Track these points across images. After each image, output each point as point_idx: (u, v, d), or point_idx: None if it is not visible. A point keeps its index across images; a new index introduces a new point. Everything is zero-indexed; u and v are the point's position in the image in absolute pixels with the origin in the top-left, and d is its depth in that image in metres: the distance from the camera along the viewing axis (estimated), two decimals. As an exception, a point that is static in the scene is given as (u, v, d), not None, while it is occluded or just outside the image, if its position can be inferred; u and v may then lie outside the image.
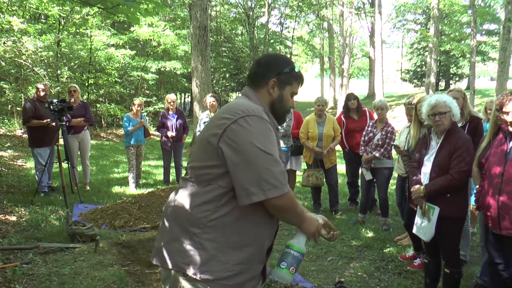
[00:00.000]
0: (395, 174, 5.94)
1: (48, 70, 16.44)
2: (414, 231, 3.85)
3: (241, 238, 1.87)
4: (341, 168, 8.53)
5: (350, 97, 7.22)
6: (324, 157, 6.83)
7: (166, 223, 1.97)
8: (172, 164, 8.97)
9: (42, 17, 17.99)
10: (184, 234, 1.87)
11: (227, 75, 35.85)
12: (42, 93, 7.40)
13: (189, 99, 36.83)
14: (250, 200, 1.77)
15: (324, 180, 6.94)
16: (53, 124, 7.16)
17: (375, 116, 6.56)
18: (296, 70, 2.07)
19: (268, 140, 1.81)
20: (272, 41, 33.94)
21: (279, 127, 6.57)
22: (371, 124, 6.34)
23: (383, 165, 6.11)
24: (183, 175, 2.10)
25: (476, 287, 4.06)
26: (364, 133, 6.34)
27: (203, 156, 1.91)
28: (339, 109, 24.11)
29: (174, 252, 1.88)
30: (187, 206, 1.90)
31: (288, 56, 38.19)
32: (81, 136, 7.94)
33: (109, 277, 4.11)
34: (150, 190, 7.35)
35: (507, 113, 3.10)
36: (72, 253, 4.75)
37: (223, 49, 34.37)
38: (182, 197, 1.94)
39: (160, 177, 9.37)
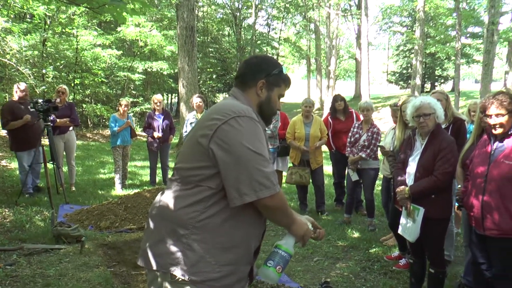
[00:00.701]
0: (381, 175, 5.99)
1: (33, 69, 16.24)
2: (399, 231, 3.88)
3: (229, 239, 1.87)
4: (328, 169, 8.59)
5: (337, 98, 7.26)
6: (310, 158, 6.82)
7: (153, 224, 1.96)
8: (159, 165, 8.93)
9: (27, 16, 17.76)
10: (171, 235, 1.86)
11: (214, 76, 35.78)
12: (21, 94, 7.23)
13: (176, 100, 36.72)
14: (242, 201, 1.78)
15: (311, 180, 6.97)
16: (33, 120, 7.02)
17: (362, 117, 6.61)
18: (284, 72, 2.08)
19: (258, 141, 1.82)
20: (259, 42, 34.00)
21: (266, 129, 6.60)
22: (356, 125, 6.38)
23: (369, 165, 6.16)
24: (170, 176, 2.09)
25: (460, 286, 4.12)
26: (349, 134, 6.38)
27: (191, 157, 1.90)
28: (326, 110, 24.24)
29: (161, 253, 1.87)
30: (174, 207, 1.89)
31: (275, 57, 38.34)
32: (66, 137, 7.87)
33: (94, 278, 4.08)
34: (136, 191, 7.31)
35: (490, 116, 3.16)
36: (57, 254, 4.70)
37: (210, 49, 34.29)
38: (169, 198, 1.92)
39: (147, 178, 9.32)
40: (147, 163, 9.44)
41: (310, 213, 6.85)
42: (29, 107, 6.96)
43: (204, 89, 34.90)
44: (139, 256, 1.99)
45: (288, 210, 1.93)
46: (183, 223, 1.84)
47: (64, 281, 4.02)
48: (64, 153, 7.98)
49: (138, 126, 19.52)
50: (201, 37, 32.18)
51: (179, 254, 1.83)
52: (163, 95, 23.95)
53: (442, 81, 41.04)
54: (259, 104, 2.05)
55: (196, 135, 1.90)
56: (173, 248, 1.84)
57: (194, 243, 1.83)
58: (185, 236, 1.83)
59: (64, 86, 8.03)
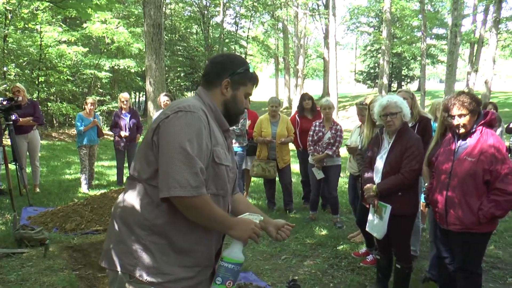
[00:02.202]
0: (346, 173, 6.06)
1: (-6, 67, 15.73)
2: (367, 228, 3.94)
3: (188, 241, 1.85)
4: (295, 167, 8.63)
5: (304, 97, 7.29)
6: (277, 157, 6.82)
7: (114, 224, 1.93)
8: (126, 165, 8.78)
9: (-14, 11, 17.16)
10: (130, 236, 1.84)
11: (182, 74, 35.46)
12: None
13: (144, 98, 36.20)
14: (159, 195, 1.75)
15: (278, 179, 6.97)
16: None
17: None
18: (251, 70, 2.04)
19: (193, 137, 1.77)
20: (227, 40, 33.88)
21: (234, 127, 6.58)
22: (317, 123, 6.39)
23: (334, 163, 6.24)
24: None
25: (425, 280, 4.22)
26: (311, 133, 6.36)
27: (144, 154, 1.89)
28: (294, 109, 24.39)
29: (121, 254, 1.85)
30: (133, 207, 1.86)
31: (243, 56, 38.32)
32: (30, 136, 7.62)
33: (59, 282, 3.97)
34: (103, 191, 7.16)
35: (453, 116, 3.24)
36: (19, 259, 4.55)
37: (178, 48, 33.99)
38: (129, 198, 1.90)
39: (114, 178, 9.16)
40: (114, 163, 9.27)
41: (279, 211, 6.88)
42: None
43: (172, 87, 34.56)
44: (101, 256, 1.96)
45: (214, 215, 1.83)
46: (142, 224, 1.82)
47: (27, 286, 3.90)
48: (28, 153, 7.74)
49: (105, 125, 19.15)
50: (169, 35, 31.88)
51: (138, 255, 1.81)
52: (130, 94, 23.60)
53: (409, 80, 42.03)
54: (224, 103, 2.02)
55: (148, 129, 1.92)
56: (133, 249, 1.82)
57: (152, 244, 1.81)
58: (143, 237, 1.82)
59: (18, 84, 7.72)
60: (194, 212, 1.79)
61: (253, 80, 2.07)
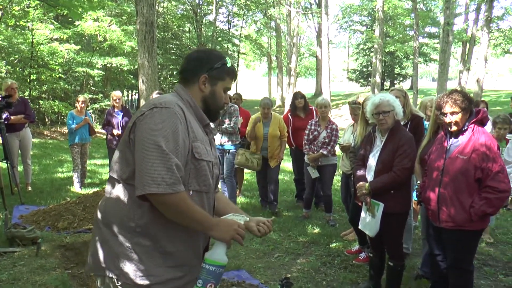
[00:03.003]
0: (339, 171, 6.07)
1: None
2: (359, 226, 3.96)
3: (173, 240, 1.82)
4: (288, 165, 8.63)
5: (297, 95, 7.28)
6: (269, 157, 6.81)
7: (98, 229, 1.90)
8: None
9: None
10: (115, 239, 1.81)
11: (175, 73, 35.27)
12: None
13: (136, 97, 36.07)
14: (135, 193, 1.72)
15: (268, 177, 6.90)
16: None
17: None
18: (229, 65, 2.01)
19: (168, 133, 1.74)
20: (219, 39, 33.78)
21: (227, 125, 6.56)
22: (313, 122, 6.39)
23: (328, 162, 6.23)
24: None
25: (418, 277, 4.25)
26: (307, 132, 6.37)
27: (123, 153, 1.85)
28: (287, 108, 24.41)
29: (107, 258, 1.82)
30: (116, 209, 1.83)
31: (236, 54, 38.31)
32: (21, 134, 7.55)
33: (51, 281, 3.94)
34: (95, 190, 7.13)
35: (445, 114, 3.26)
36: (11, 258, 4.51)
37: (171, 46, 33.83)
38: (111, 200, 1.87)
39: (106, 176, 9.11)
40: (107, 161, 9.24)
41: (271, 210, 6.86)
42: None
43: (164, 85, 34.45)
44: (88, 259, 1.93)
45: (193, 214, 1.78)
46: (125, 226, 1.79)
47: (18, 286, 3.87)
48: (19, 152, 7.68)
49: (98, 123, 19.05)
50: (162, 33, 31.71)
51: (123, 259, 1.78)
52: (123, 92, 23.48)
53: (401, 79, 42.17)
54: (203, 99, 1.99)
55: (126, 128, 1.88)
56: (118, 253, 1.79)
57: (137, 246, 1.78)
58: (128, 240, 1.79)
59: (13, 82, 7.64)
60: (170, 210, 1.75)
61: (231, 74, 2.04)
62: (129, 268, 1.77)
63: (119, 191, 1.84)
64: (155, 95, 7.61)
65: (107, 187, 1.93)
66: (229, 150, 6.74)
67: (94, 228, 1.96)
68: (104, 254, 1.83)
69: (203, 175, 1.89)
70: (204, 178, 1.90)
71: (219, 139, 6.70)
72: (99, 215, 1.91)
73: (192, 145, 1.84)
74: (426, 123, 4.72)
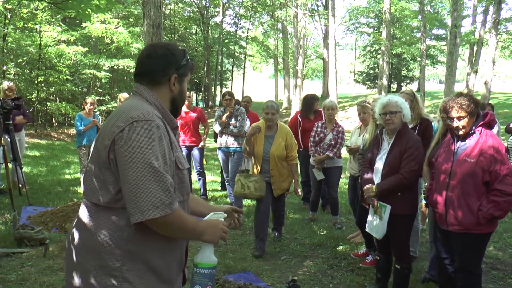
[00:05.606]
0: (346, 174, 6.05)
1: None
2: (366, 229, 3.95)
3: (163, 255, 1.76)
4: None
5: (315, 98, 7.24)
6: (273, 183, 5.19)
7: (77, 261, 1.74)
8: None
9: (-14, 10, 17.13)
10: (100, 269, 1.68)
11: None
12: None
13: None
14: (131, 220, 1.60)
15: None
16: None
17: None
18: (189, 60, 1.93)
19: (157, 150, 1.63)
20: (226, 41, 33.89)
21: (232, 127, 6.53)
22: (320, 124, 6.36)
23: (334, 164, 6.22)
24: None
25: (425, 281, 4.24)
26: (313, 133, 6.34)
27: (99, 176, 1.71)
28: (294, 110, 24.41)
29: None
30: (98, 238, 1.69)
31: (242, 56, 38.27)
32: (21, 135, 7.64)
33: (59, 282, 3.97)
34: (102, 191, 7.15)
35: (452, 119, 3.26)
36: (19, 258, 4.55)
37: (177, 48, 34.00)
38: (89, 229, 1.72)
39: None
40: (114, 163, 9.24)
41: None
42: None
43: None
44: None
45: (187, 226, 1.74)
46: (112, 254, 1.67)
47: (27, 286, 3.90)
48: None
49: (105, 125, 19.08)
50: (168, 35, 31.84)
51: None
52: (129, 94, 23.50)
53: (408, 81, 41.99)
54: (172, 99, 1.90)
55: (100, 145, 1.71)
56: (106, 285, 1.67)
57: (128, 273, 1.67)
58: (118, 269, 1.67)
59: (12, 84, 7.71)
60: (168, 229, 1.69)
61: (192, 68, 1.98)
62: None
63: (98, 218, 1.71)
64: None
65: (81, 215, 1.78)
66: (235, 152, 6.72)
67: (69, 260, 1.80)
68: (87, 285, 1.70)
69: (185, 184, 1.84)
70: (186, 187, 1.85)
71: (224, 140, 6.70)
72: (75, 246, 1.77)
73: (175, 155, 1.76)
74: (436, 125, 4.69)
